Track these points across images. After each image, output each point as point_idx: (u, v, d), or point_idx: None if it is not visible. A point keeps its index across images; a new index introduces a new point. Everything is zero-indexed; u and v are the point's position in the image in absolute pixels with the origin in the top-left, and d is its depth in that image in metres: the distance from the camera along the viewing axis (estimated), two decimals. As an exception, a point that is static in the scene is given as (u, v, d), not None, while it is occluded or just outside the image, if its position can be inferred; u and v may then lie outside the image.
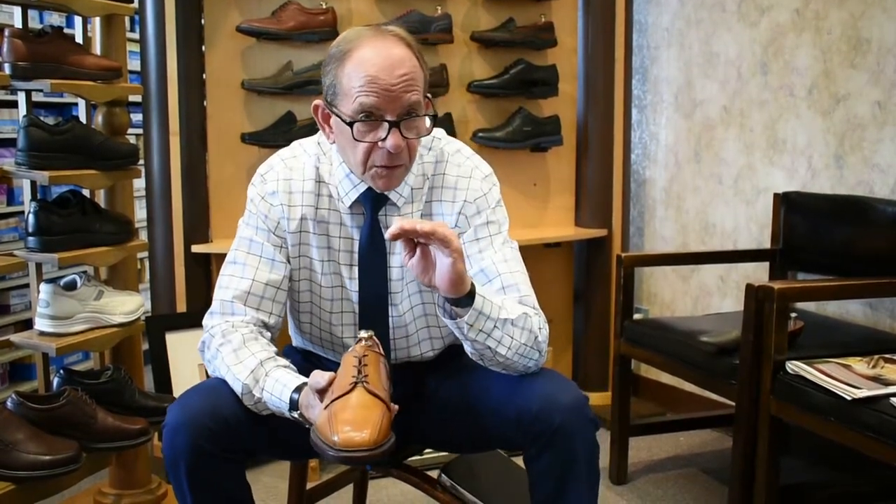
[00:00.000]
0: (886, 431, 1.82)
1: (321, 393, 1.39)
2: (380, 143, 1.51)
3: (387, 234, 1.39)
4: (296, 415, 1.45)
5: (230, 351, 1.54)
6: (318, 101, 1.59)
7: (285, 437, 1.56)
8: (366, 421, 1.28)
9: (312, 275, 1.66)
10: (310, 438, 1.36)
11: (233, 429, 1.47)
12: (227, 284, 1.60)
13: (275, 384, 1.48)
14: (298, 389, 1.46)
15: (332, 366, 1.73)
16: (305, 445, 1.45)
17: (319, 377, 1.40)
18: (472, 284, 1.45)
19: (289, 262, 1.64)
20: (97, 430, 1.99)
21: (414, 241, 1.40)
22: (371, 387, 1.35)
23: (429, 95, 1.58)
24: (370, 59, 1.49)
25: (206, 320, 1.61)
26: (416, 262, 1.42)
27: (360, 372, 1.36)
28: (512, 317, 1.48)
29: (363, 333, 1.45)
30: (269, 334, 1.61)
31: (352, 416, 1.29)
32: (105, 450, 2.03)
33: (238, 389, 1.51)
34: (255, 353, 1.53)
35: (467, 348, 1.52)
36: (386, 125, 1.49)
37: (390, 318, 1.67)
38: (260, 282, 1.60)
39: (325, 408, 1.33)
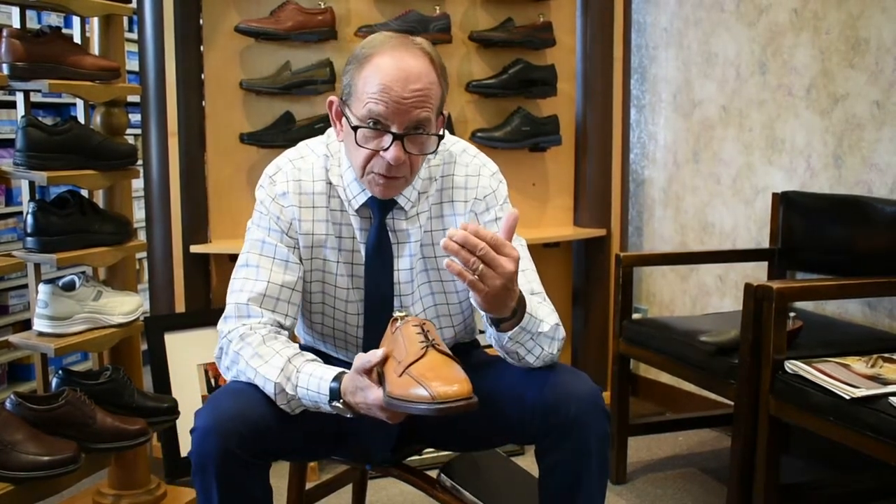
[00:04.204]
0: (885, 430, 1.82)
1: (369, 373, 1.40)
2: (381, 153, 1.51)
3: (443, 243, 1.33)
4: (338, 404, 1.44)
5: (252, 353, 1.52)
6: (333, 98, 1.60)
7: (315, 437, 1.56)
8: (452, 376, 1.33)
9: (326, 276, 1.66)
10: (387, 404, 1.35)
11: (262, 433, 1.45)
12: (242, 287, 1.58)
13: (309, 378, 1.47)
14: (337, 378, 1.46)
15: (342, 364, 1.73)
16: (333, 444, 1.43)
17: (369, 356, 1.40)
18: (521, 298, 1.44)
19: (301, 262, 1.64)
20: (96, 431, 1.99)
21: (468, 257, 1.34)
22: (442, 347, 1.40)
23: (444, 113, 1.57)
24: (387, 69, 1.48)
25: (221, 326, 1.58)
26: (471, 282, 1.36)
27: (426, 337, 1.40)
28: (545, 330, 1.50)
29: (399, 313, 1.47)
30: (285, 334, 1.60)
31: (436, 374, 1.33)
32: (104, 450, 2.03)
33: (270, 390, 1.49)
34: (279, 351, 1.52)
35: (494, 344, 1.54)
36: (390, 136, 1.49)
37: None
38: (275, 283, 1.59)
39: (401, 375, 1.35)
